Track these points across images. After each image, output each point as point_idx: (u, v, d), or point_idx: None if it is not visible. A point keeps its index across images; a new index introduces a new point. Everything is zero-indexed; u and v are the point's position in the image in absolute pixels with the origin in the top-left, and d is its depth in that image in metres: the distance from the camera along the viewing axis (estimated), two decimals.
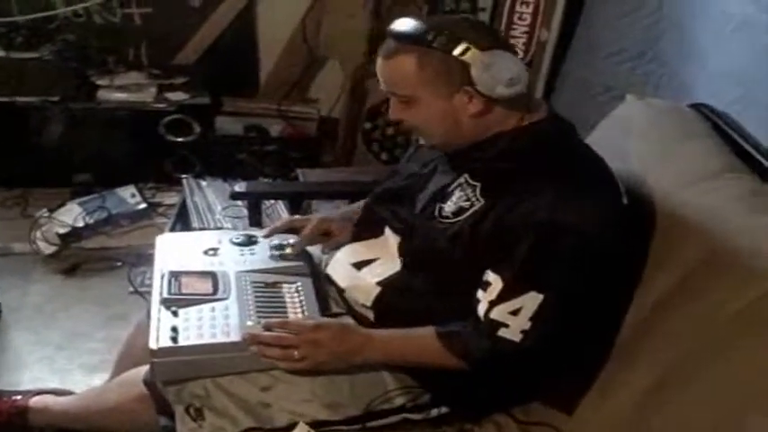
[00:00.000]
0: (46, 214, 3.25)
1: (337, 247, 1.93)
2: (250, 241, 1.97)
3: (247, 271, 1.85)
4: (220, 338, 1.64)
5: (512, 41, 3.23)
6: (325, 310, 1.79)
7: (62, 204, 3.31)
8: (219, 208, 2.88)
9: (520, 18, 3.18)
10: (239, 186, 2.44)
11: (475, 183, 1.63)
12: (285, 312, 1.73)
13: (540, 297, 1.51)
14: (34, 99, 3.49)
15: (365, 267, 1.79)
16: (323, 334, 1.61)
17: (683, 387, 1.45)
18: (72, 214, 3.23)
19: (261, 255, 1.93)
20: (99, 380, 2.39)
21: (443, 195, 1.68)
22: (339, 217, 2.02)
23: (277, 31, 3.90)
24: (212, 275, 1.81)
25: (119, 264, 3.14)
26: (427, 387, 1.69)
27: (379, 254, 1.79)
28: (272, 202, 2.74)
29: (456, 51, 1.53)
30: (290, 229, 1.99)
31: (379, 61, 1.63)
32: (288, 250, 1.92)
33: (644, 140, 1.94)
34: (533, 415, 1.73)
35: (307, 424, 1.61)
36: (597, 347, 1.66)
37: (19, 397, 1.95)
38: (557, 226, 1.50)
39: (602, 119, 2.20)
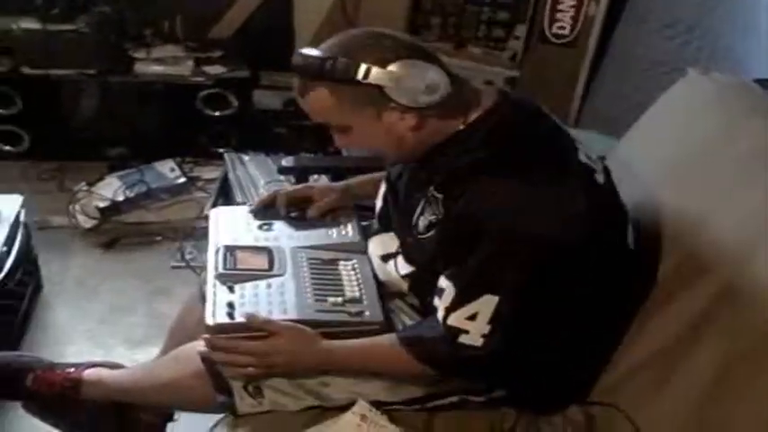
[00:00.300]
0: (85, 188, 3.24)
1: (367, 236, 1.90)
2: (305, 216, 1.94)
3: (303, 247, 1.82)
4: (277, 315, 1.62)
5: (558, 15, 3.18)
6: (381, 288, 1.75)
7: (101, 178, 3.31)
8: (263, 182, 2.85)
9: None
10: (286, 161, 2.42)
11: (438, 195, 1.56)
12: (342, 290, 1.70)
13: (495, 299, 1.46)
14: (71, 72, 3.46)
15: (390, 260, 1.76)
16: (277, 356, 1.57)
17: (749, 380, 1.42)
18: (111, 188, 3.23)
19: (316, 230, 1.90)
20: (142, 354, 2.41)
21: (418, 207, 1.62)
22: (324, 185, 2.00)
23: (315, 4, 3.85)
24: (268, 251, 1.79)
25: (158, 238, 3.13)
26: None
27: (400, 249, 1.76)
28: (317, 176, 2.70)
29: (359, 75, 1.45)
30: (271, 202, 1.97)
31: (299, 99, 1.58)
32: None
33: (709, 116, 1.88)
34: (595, 395, 1.69)
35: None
36: (594, 342, 1.63)
37: (72, 369, 1.92)
38: (510, 232, 1.43)
39: (650, 96, 2.14)
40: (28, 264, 2.62)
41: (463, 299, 1.49)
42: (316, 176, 2.71)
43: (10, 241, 2.39)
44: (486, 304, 1.47)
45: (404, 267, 1.72)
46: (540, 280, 1.46)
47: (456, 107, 1.54)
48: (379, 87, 1.46)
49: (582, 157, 1.55)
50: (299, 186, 2.00)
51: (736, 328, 1.49)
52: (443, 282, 1.52)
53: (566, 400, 1.68)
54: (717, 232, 1.59)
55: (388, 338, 1.59)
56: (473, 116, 1.55)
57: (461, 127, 1.55)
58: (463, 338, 1.50)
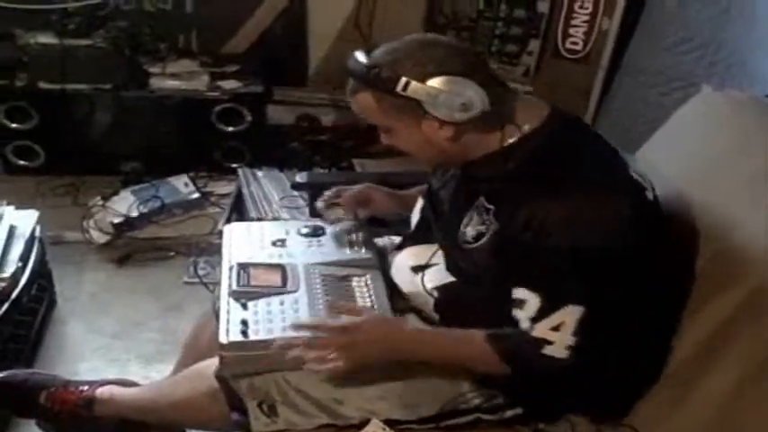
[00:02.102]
0: (99, 203, 3.25)
1: (396, 247, 1.92)
2: (317, 233, 1.94)
3: (316, 263, 1.83)
4: (291, 333, 1.61)
5: (571, 30, 3.19)
6: (394, 303, 1.75)
7: (115, 193, 3.31)
8: (276, 198, 2.85)
9: (581, 6, 3.13)
10: (300, 177, 2.42)
11: (489, 206, 1.57)
12: (356, 308, 1.69)
13: (580, 309, 1.47)
14: (86, 87, 3.48)
15: (421, 272, 1.77)
16: (358, 334, 1.56)
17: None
18: (125, 203, 3.23)
19: (329, 246, 1.91)
20: (156, 370, 2.40)
21: (465, 217, 1.63)
22: (386, 190, 2.02)
23: (328, 19, 3.86)
24: (281, 268, 1.79)
25: (172, 254, 3.13)
26: (502, 389, 1.64)
27: (439, 259, 1.76)
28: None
29: (398, 88, 1.48)
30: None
31: (348, 97, 1.62)
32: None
33: (724, 132, 1.88)
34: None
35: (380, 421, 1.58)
36: (647, 349, 1.63)
37: (86, 387, 1.93)
38: (576, 246, 1.45)
39: (664, 111, 2.15)
40: (42, 279, 2.63)
41: (548, 309, 1.50)
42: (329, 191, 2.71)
43: (25, 257, 2.39)
44: (571, 314, 1.48)
45: (435, 280, 1.73)
46: (617, 289, 1.49)
47: (495, 122, 1.56)
48: (416, 100, 1.49)
49: (633, 174, 1.58)
50: (362, 185, 2.02)
51: (754, 344, 1.48)
52: (523, 293, 1.52)
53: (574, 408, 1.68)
54: (730, 248, 1.59)
55: (478, 332, 1.58)
56: (513, 135, 1.56)
57: (500, 145, 1.56)
58: (548, 350, 1.50)
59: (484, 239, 1.57)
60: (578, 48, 3.24)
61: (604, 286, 1.47)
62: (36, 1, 3.51)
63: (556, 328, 1.50)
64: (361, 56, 1.55)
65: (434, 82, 1.48)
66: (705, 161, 1.82)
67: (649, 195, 1.58)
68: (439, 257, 1.75)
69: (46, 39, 3.41)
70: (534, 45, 3.49)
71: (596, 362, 1.52)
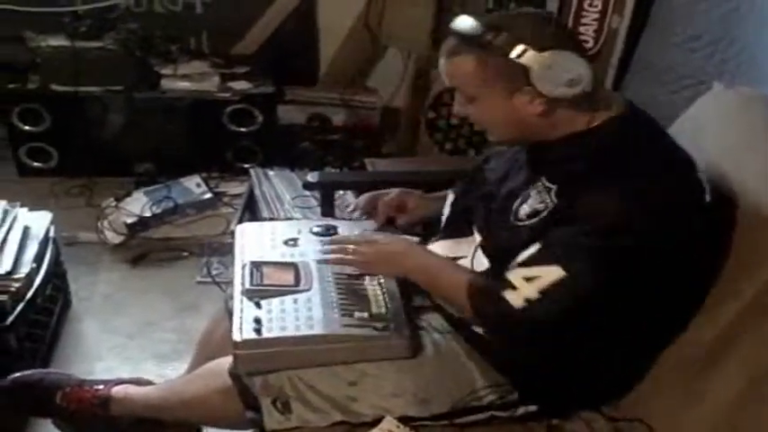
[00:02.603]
0: (113, 204, 3.27)
1: (420, 239, 1.93)
2: (329, 232, 1.95)
3: None
4: (304, 331, 1.63)
5: (581, 29, 3.18)
6: (409, 303, 1.76)
7: (128, 194, 3.34)
8: (288, 198, 2.86)
9: (591, 4, 3.12)
10: (312, 176, 2.42)
11: (551, 185, 1.58)
12: (369, 305, 1.70)
13: (562, 274, 1.47)
14: (98, 89, 3.50)
15: None
16: (375, 245, 1.76)
17: None
18: (138, 204, 3.25)
19: None
20: (171, 369, 2.41)
21: (521, 196, 1.64)
22: (419, 194, 2.04)
23: (338, 19, 3.87)
24: (294, 266, 1.80)
25: (185, 254, 3.15)
26: (516, 385, 1.65)
27: (467, 252, 1.75)
28: (342, 192, 2.71)
29: (513, 54, 1.49)
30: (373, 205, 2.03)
31: (442, 59, 1.62)
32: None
33: (735, 129, 1.87)
34: (623, 411, 1.69)
35: (394, 419, 1.59)
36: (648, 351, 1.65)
37: (101, 386, 1.95)
38: (613, 230, 1.46)
39: (674, 108, 2.14)
40: (57, 280, 2.65)
41: (535, 259, 1.51)
42: (341, 192, 2.72)
43: (39, 258, 2.41)
44: (550, 274, 1.48)
45: (476, 268, 1.72)
46: (621, 285, 1.48)
47: (585, 106, 1.57)
48: (526, 70, 1.50)
49: (700, 175, 1.58)
50: (397, 191, 2.03)
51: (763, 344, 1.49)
52: (533, 245, 1.53)
53: (588, 403, 1.69)
54: (740, 247, 1.59)
55: (465, 275, 1.64)
56: (602, 118, 1.58)
57: (587, 127, 1.58)
58: (507, 293, 1.51)
59: (538, 217, 1.57)
60: (589, 45, 3.22)
61: (614, 277, 1.47)
62: (47, 4, 3.54)
63: (529, 279, 1.50)
64: (471, 18, 1.56)
65: (550, 53, 1.50)
66: (716, 158, 1.82)
67: (707, 198, 1.57)
68: (470, 250, 1.75)
69: (57, 41, 3.43)
70: None
71: (557, 335, 1.52)
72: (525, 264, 1.52)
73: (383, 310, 1.69)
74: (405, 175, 2.13)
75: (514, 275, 1.52)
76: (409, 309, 1.74)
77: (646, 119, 1.64)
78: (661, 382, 1.65)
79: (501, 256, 1.62)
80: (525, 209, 1.60)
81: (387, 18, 3.77)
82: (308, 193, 2.77)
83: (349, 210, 2.06)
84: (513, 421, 1.67)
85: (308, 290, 1.73)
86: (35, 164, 3.60)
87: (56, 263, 2.62)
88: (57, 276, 2.64)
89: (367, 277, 1.79)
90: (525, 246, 1.55)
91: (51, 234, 2.58)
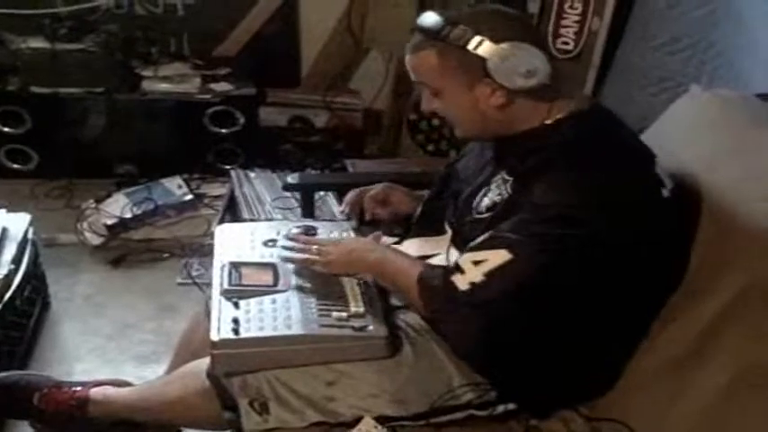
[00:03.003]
0: (93, 205, 3.26)
1: (398, 239, 1.93)
2: (309, 233, 1.95)
3: None
4: (282, 331, 1.62)
5: (562, 30, 3.19)
6: (386, 302, 1.76)
7: (108, 195, 3.33)
8: (269, 199, 2.87)
9: (571, 6, 3.14)
10: (292, 178, 2.43)
11: (508, 177, 1.62)
12: (347, 305, 1.70)
13: (508, 257, 1.49)
14: (79, 90, 3.49)
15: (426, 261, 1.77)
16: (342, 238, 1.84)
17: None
18: (119, 205, 3.24)
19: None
20: (151, 371, 2.40)
21: (483, 190, 1.68)
22: (404, 189, 2.06)
23: (320, 21, 3.87)
24: (273, 267, 1.79)
25: (165, 255, 3.14)
26: (494, 384, 1.65)
27: (440, 249, 1.77)
28: (323, 193, 2.72)
29: (470, 45, 1.53)
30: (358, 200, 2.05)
31: (407, 55, 1.66)
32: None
33: (713, 132, 1.88)
34: (601, 411, 1.69)
35: (372, 419, 1.59)
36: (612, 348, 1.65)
37: (79, 388, 1.94)
38: (566, 216, 1.48)
39: (653, 110, 2.16)
40: (36, 281, 2.63)
41: (484, 244, 1.53)
42: (321, 193, 2.73)
43: (18, 259, 2.40)
44: (496, 257, 1.50)
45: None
46: (570, 276, 1.50)
47: (545, 98, 1.61)
48: (483, 60, 1.53)
49: (658, 170, 1.62)
50: (382, 185, 2.05)
51: (745, 341, 1.49)
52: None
53: (566, 402, 1.69)
54: (720, 249, 1.60)
55: (417, 268, 1.65)
56: (562, 112, 1.61)
57: (549, 121, 1.61)
58: (455, 277, 1.54)
59: (497, 208, 1.60)
60: (569, 47, 3.24)
61: (564, 266, 1.49)
62: (27, 6, 3.52)
63: (476, 263, 1.52)
64: (434, 13, 1.60)
65: (506, 45, 1.53)
66: (693, 160, 1.83)
67: (665, 193, 1.60)
68: (443, 247, 1.77)
69: (38, 43, 3.43)
70: None
71: (498, 322, 1.53)
72: (475, 248, 1.55)
73: (361, 309, 1.69)
74: (386, 177, 2.13)
75: (464, 260, 1.55)
76: (387, 308, 1.74)
77: (606, 114, 1.68)
78: (641, 382, 1.66)
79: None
80: (486, 201, 1.64)
81: (369, 20, 3.78)
82: (288, 194, 2.78)
83: (340, 210, 2.08)
84: (491, 420, 1.67)
85: (286, 290, 1.73)
86: (15, 165, 3.58)
87: (34, 264, 2.61)
88: (35, 278, 2.63)
89: (345, 277, 1.79)
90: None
91: (30, 236, 2.56)
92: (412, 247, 1.85)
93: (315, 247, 1.78)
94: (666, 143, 1.98)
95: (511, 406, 1.67)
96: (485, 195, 1.66)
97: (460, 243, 1.69)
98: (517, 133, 1.64)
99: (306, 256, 1.77)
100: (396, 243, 1.91)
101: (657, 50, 2.94)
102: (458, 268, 1.54)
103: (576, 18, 3.15)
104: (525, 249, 1.49)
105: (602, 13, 3.11)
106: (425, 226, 1.90)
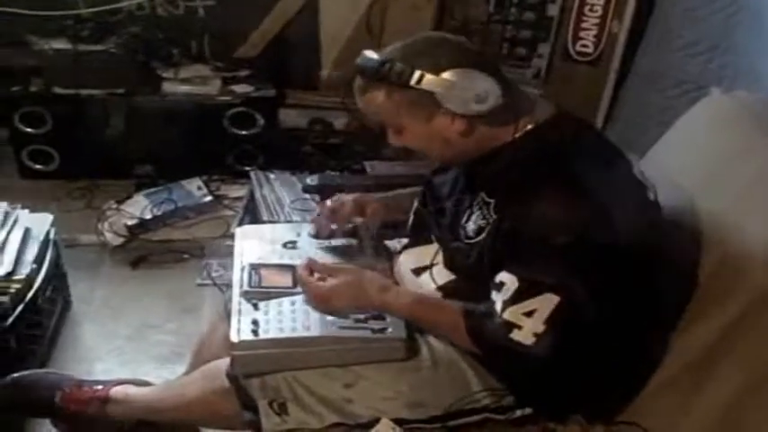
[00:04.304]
0: (113, 206, 3.28)
1: (398, 251, 1.94)
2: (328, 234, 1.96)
3: None
4: (301, 333, 1.64)
5: (582, 33, 3.20)
6: None
7: (129, 196, 3.35)
8: (288, 201, 2.87)
9: (591, 9, 3.14)
10: (311, 179, 2.44)
11: (489, 200, 1.60)
12: None
13: (556, 299, 1.47)
14: (100, 92, 3.50)
15: (424, 273, 1.78)
16: (337, 300, 1.66)
17: None
18: (139, 206, 3.26)
19: (339, 248, 1.92)
20: (170, 371, 2.42)
21: (465, 214, 1.66)
22: (377, 198, 2.02)
23: (340, 23, 3.87)
24: (292, 269, 1.80)
25: (185, 256, 3.15)
26: (511, 389, 1.65)
27: (437, 259, 1.77)
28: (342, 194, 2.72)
29: (412, 81, 1.51)
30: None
31: (357, 98, 1.63)
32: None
33: (732, 134, 1.89)
34: (619, 414, 1.69)
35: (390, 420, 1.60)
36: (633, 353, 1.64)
37: (100, 387, 1.96)
38: (578, 243, 1.46)
39: (673, 113, 2.16)
40: (57, 281, 2.66)
41: (524, 294, 1.50)
42: (339, 194, 2.73)
43: (40, 259, 2.42)
44: (546, 303, 1.48)
45: (441, 277, 1.73)
46: (601, 288, 1.48)
47: (507, 116, 1.58)
48: (431, 93, 1.51)
49: (637, 174, 1.61)
50: (353, 199, 1.99)
51: (759, 349, 1.49)
52: (504, 276, 1.52)
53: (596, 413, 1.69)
54: (737, 251, 1.60)
55: (457, 305, 1.61)
56: (526, 126, 1.59)
57: (515, 135, 1.59)
58: (515, 334, 1.50)
59: (484, 233, 1.58)
60: (589, 50, 3.24)
61: (592, 282, 1.48)
62: (50, 7, 3.54)
63: (528, 314, 1.49)
64: (371, 53, 1.58)
65: (448, 74, 1.51)
66: (713, 163, 1.83)
67: (651, 196, 1.60)
68: (439, 257, 1.76)
69: (60, 44, 3.44)
70: (544, 48, 3.49)
71: (564, 355, 1.51)
72: (516, 300, 1.50)
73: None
74: (404, 178, 2.13)
75: (512, 314, 1.51)
76: None
77: (572, 120, 1.66)
78: (657, 386, 1.66)
79: (464, 272, 1.66)
80: (471, 226, 1.63)
81: (388, 22, 3.78)
82: (307, 195, 2.79)
83: (310, 232, 2.00)
84: (509, 424, 1.67)
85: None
86: (37, 166, 3.59)
87: (56, 264, 2.62)
88: (57, 278, 2.65)
89: None
90: (479, 262, 1.58)
91: (52, 236, 2.58)
92: (404, 260, 1.86)
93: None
94: (685, 146, 1.99)
95: (528, 410, 1.67)
96: (468, 219, 1.64)
97: (451, 265, 1.70)
98: (486, 152, 1.62)
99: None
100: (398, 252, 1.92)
101: (677, 53, 2.93)
102: (512, 324, 1.50)
103: (596, 21, 3.16)
104: (565, 286, 1.47)
105: (622, 16, 3.11)
106: (417, 235, 1.90)
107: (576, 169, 1.53)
